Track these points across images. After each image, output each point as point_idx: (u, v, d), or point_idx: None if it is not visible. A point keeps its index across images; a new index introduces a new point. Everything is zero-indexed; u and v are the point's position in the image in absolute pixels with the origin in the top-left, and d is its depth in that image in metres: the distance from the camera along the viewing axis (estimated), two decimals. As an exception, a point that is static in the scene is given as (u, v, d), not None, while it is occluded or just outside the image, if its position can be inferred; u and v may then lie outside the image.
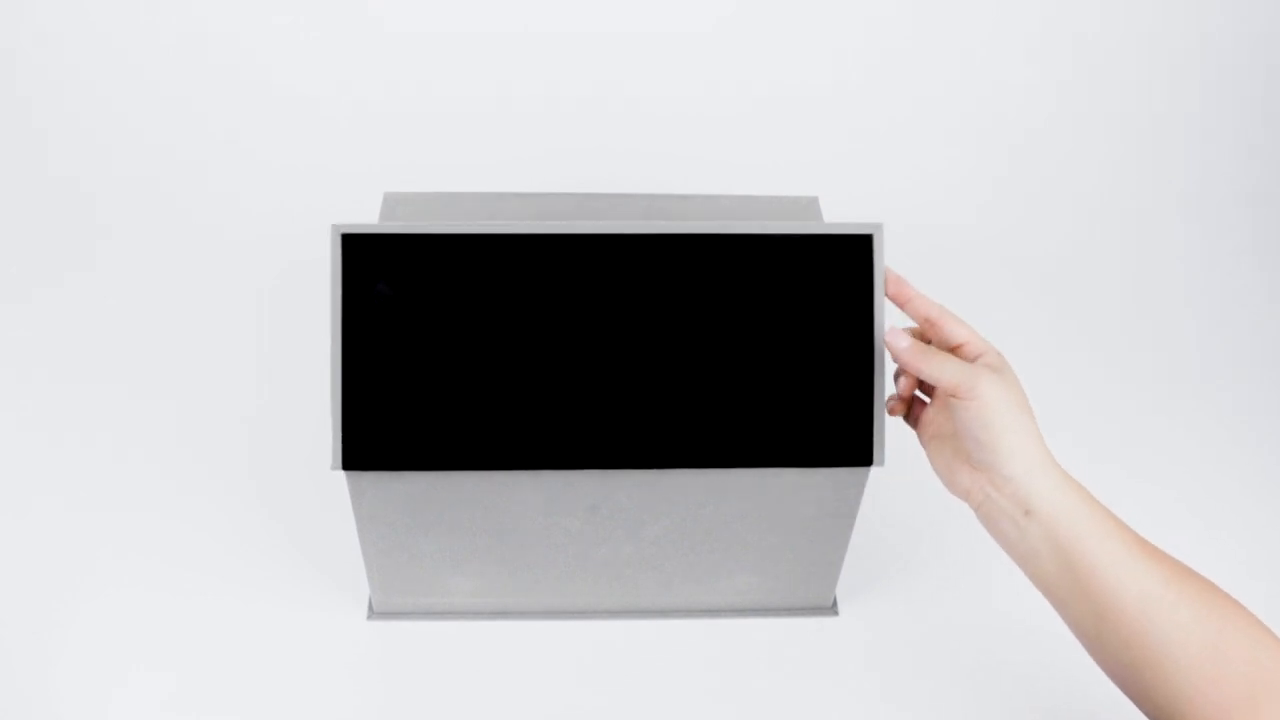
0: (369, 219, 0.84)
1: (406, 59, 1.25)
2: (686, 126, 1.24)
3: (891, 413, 0.68)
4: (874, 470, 0.69)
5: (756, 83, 1.27)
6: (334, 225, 0.65)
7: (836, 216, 0.92)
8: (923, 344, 0.64)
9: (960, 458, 0.63)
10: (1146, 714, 0.60)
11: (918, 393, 0.69)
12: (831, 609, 0.80)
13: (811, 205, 0.84)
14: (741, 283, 0.67)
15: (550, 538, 0.72)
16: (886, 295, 0.66)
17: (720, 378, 0.67)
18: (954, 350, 0.64)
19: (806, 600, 0.79)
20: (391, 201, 0.78)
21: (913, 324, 0.67)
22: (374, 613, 0.78)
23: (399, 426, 0.67)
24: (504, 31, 1.25)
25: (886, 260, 0.66)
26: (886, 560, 0.84)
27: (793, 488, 0.69)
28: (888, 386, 0.68)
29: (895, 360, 0.65)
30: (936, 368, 0.61)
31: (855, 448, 0.67)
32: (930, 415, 0.67)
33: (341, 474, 0.68)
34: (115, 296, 1.04)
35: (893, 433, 0.83)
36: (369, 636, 0.77)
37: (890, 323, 0.66)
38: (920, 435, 0.68)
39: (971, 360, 0.63)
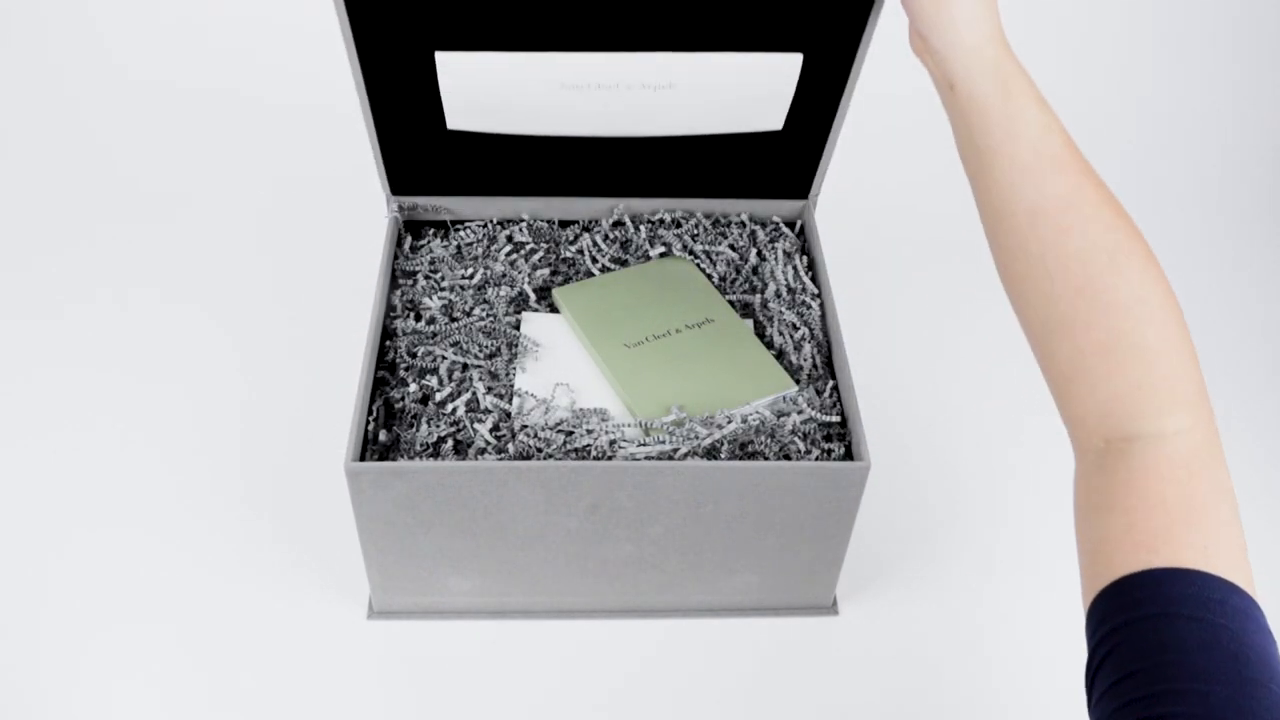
0: (369, 218, 0.85)
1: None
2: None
3: None
4: (874, 470, 0.69)
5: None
6: None
7: (836, 217, 0.92)
8: None
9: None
10: (1025, 327, 0.56)
11: None
12: (831, 609, 0.80)
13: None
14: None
15: (550, 537, 0.72)
16: None
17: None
18: None
19: (806, 600, 0.79)
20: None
21: None
22: (374, 612, 0.78)
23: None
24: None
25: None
26: (886, 560, 0.84)
27: (792, 487, 0.69)
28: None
29: None
30: None
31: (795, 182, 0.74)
32: None
33: (342, 474, 0.68)
34: (115, 296, 1.04)
35: (881, 436, 0.82)
36: (369, 636, 0.78)
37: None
38: None
39: None
